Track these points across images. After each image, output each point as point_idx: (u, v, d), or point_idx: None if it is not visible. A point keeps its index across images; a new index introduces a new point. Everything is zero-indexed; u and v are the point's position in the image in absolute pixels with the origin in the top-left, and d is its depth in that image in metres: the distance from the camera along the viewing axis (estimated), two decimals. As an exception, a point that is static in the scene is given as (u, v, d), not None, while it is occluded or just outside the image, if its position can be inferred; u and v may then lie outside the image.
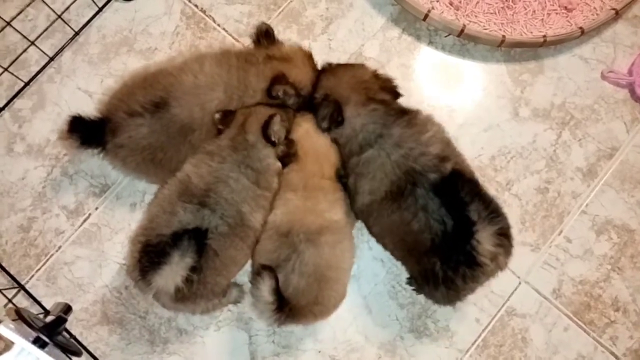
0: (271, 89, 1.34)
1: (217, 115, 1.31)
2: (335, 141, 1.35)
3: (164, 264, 1.15)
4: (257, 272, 1.20)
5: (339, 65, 1.44)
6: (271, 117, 1.28)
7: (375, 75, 1.39)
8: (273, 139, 1.29)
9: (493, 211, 1.18)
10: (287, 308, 1.20)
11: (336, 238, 1.27)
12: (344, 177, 1.34)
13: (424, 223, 1.21)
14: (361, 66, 1.44)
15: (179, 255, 1.15)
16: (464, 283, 1.22)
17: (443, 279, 1.22)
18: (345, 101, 1.33)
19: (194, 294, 1.22)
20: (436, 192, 1.21)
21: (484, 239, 1.15)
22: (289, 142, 1.31)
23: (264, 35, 1.42)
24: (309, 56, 1.44)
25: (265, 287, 1.17)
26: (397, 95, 1.39)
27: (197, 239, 1.18)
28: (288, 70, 1.36)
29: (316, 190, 1.29)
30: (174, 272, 1.16)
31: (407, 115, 1.31)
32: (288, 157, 1.31)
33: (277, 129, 1.29)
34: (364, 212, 1.34)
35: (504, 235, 1.19)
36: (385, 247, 1.37)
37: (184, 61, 1.38)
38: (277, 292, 1.19)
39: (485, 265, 1.17)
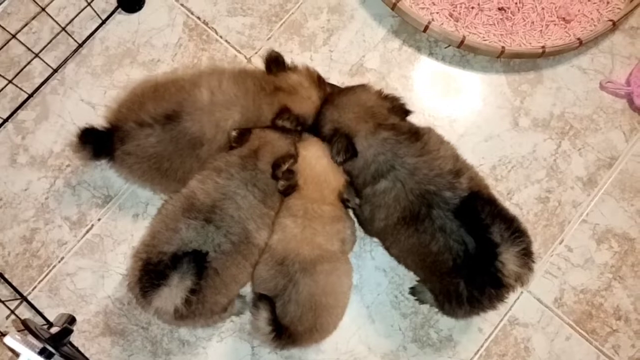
0: (275, 122, 1.35)
1: (233, 133, 1.32)
2: (347, 172, 1.33)
3: (163, 285, 1.16)
4: (255, 304, 1.22)
5: (341, 93, 1.39)
6: (285, 159, 1.30)
7: (381, 97, 1.35)
8: (280, 176, 1.29)
9: (515, 231, 1.16)
10: (286, 335, 1.22)
11: (332, 266, 1.28)
12: (347, 200, 1.33)
13: (443, 244, 1.20)
14: (364, 89, 1.38)
15: (179, 278, 1.16)
16: (489, 303, 1.22)
17: (468, 299, 1.21)
18: (354, 134, 1.29)
19: (192, 313, 1.22)
20: (456, 215, 1.19)
21: (509, 261, 1.14)
22: (289, 173, 1.30)
23: (274, 63, 1.41)
24: (315, 83, 1.41)
25: (262, 318, 1.20)
26: (406, 113, 1.36)
27: (197, 261, 1.18)
28: (293, 103, 1.36)
29: (316, 218, 1.29)
30: (173, 294, 1.16)
31: (419, 140, 1.27)
32: (289, 189, 1.30)
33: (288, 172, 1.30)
34: (379, 234, 1.35)
35: (527, 255, 1.17)
36: (408, 267, 1.37)
37: (198, 74, 1.37)
38: (275, 322, 1.21)
39: (511, 286, 1.17)
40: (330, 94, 1.41)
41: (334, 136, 1.32)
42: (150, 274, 1.18)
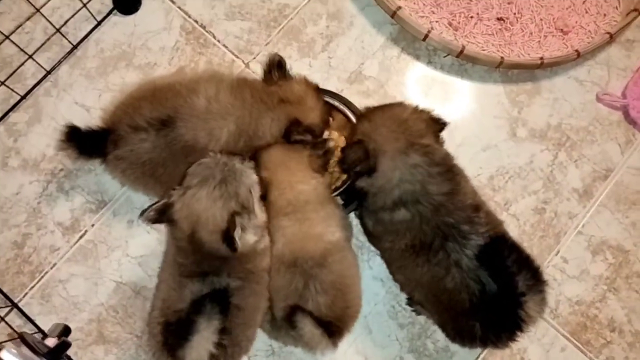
0: (289, 136, 1.33)
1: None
2: (361, 189, 1.25)
3: (192, 334, 1.11)
4: (290, 315, 1.18)
5: (377, 108, 1.30)
6: (231, 224, 1.15)
7: (417, 111, 1.26)
8: (236, 245, 1.15)
9: (539, 279, 1.14)
10: (332, 327, 1.20)
11: (341, 255, 1.28)
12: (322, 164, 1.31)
13: (459, 282, 1.16)
14: (400, 104, 1.30)
15: (206, 320, 1.11)
16: (504, 344, 1.20)
17: (481, 339, 1.19)
18: (381, 150, 1.19)
19: (230, 357, 1.19)
20: (477, 257, 1.15)
21: (532, 310, 1.12)
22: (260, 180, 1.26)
23: (276, 67, 1.38)
24: (316, 91, 1.40)
25: (307, 322, 1.17)
26: (443, 126, 1.28)
27: (219, 299, 1.15)
28: (301, 114, 1.34)
29: (304, 206, 1.28)
30: (204, 339, 1.11)
31: (452, 181, 1.20)
32: (264, 194, 1.27)
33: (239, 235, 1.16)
34: (384, 256, 1.35)
35: (545, 299, 1.16)
36: (412, 297, 1.36)
37: (196, 80, 1.35)
38: (319, 321, 1.18)
39: (526, 329, 1.16)
40: (367, 109, 1.34)
41: (353, 145, 1.22)
42: (173, 333, 1.14)
